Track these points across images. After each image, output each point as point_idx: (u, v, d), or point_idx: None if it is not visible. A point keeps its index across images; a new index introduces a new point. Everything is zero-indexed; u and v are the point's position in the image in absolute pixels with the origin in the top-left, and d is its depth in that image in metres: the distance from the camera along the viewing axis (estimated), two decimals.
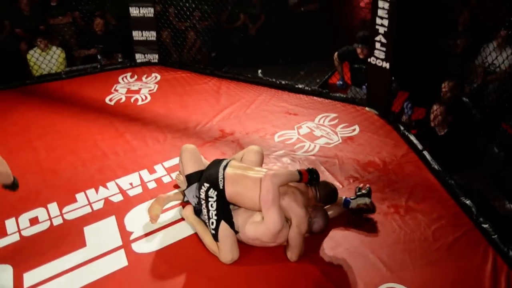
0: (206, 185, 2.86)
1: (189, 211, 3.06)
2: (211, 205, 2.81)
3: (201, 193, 2.87)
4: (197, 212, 3.02)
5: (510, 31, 4.90)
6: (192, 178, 3.03)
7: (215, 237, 2.81)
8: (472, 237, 3.09)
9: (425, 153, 3.87)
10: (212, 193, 2.82)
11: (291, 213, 2.75)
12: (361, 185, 3.28)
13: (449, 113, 4.24)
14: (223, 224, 2.79)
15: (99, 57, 5.90)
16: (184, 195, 3.15)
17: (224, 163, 2.97)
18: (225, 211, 2.84)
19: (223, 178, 2.86)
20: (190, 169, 3.05)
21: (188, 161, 3.09)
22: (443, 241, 3.04)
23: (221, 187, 2.84)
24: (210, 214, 2.81)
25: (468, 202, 3.32)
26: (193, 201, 3.02)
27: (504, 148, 4.22)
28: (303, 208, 2.77)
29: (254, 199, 2.80)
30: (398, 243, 3.02)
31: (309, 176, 2.85)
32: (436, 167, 3.70)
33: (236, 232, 2.83)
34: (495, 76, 5.10)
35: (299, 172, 2.84)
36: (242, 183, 2.84)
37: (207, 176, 2.91)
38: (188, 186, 3.05)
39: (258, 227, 2.77)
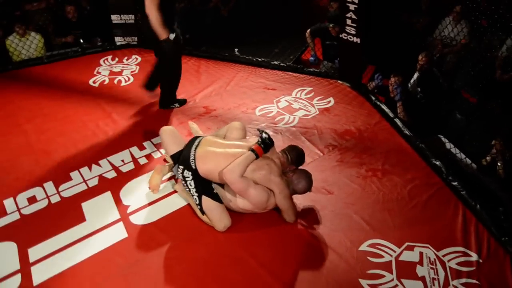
0: (181, 167, 2.89)
1: (181, 185, 3.07)
2: (190, 183, 2.85)
3: (178, 174, 2.92)
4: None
5: (465, 6, 5.01)
6: (176, 158, 3.02)
7: (201, 211, 2.86)
8: (443, 195, 3.21)
9: (396, 120, 3.96)
10: (187, 173, 2.85)
11: (270, 184, 2.78)
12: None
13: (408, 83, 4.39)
14: (204, 198, 2.82)
15: (81, 40, 5.69)
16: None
17: (196, 142, 2.94)
18: (203, 186, 2.86)
19: (194, 158, 2.85)
20: (173, 149, 3.04)
21: (168, 143, 3.07)
22: (418, 199, 3.16)
23: (193, 167, 2.84)
24: (191, 192, 2.86)
25: (438, 163, 3.44)
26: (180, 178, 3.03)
27: (465, 114, 4.36)
28: (278, 176, 2.79)
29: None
30: (378, 203, 3.11)
31: (263, 147, 2.80)
32: (407, 132, 3.80)
33: (222, 202, 2.86)
34: (452, 48, 5.23)
35: (252, 150, 2.78)
36: (213, 161, 2.82)
37: (181, 158, 2.92)
38: (174, 165, 3.04)
39: (247, 203, 2.81)
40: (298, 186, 2.87)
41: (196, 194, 2.84)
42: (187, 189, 2.89)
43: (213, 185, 2.89)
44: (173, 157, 3.03)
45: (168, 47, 3.69)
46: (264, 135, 2.86)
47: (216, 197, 2.85)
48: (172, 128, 3.18)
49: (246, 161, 2.75)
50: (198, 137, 3.03)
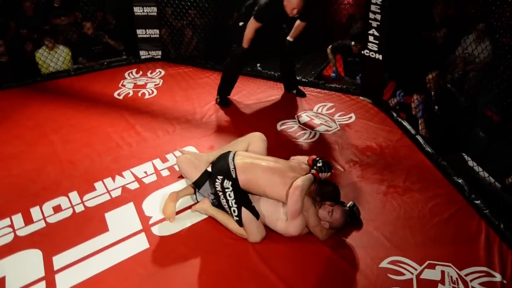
0: (220, 177, 2.87)
1: (206, 203, 3.05)
2: (229, 194, 2.84)
3: (216, 186, 2.88)
4: (215, 206, 3.03)
5: (488, 24, 4.99)
6: (201, 181, 3.03)
7: (240, 223, 2.85)
8: (466, 213, 3.17)
9: (418, 137, 3.94)
10: (227, 183, 2.84)
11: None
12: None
13: (431, 101, 4.36)
14: (244, 210, 2.83)
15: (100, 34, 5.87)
16: (195, 190, 3.13)
17: (231, 154, 2.98)
18: (243, 197, 2.87)
19: (235, 168, 2.88)
20: (195, 176, 3.04)
21: (189, 170, 3.08)
22: (439, 217, 3.12)
23: (234, 177, 2.86)
24: (230, 203, 2.84)
25: (460, 181, 3.40)
26: (210, 198, 3.04)
27: (488, 132, 4.31)
28: (311, 204, 2.85)
29: (264, 188, 2.85)
30: (399, 220, 3.09)
31: (320, 174, 2.89)
32: (429, 149, 3.77)
33: (258, 217, 2.87)
34: (474, 65, 5.19)
35: (313, 174, 2.86)
36: (252, 171, 2.87)
37: (219, 168, 2.92)
38: (199, 189, 3.06)
39: (288, 228, 2.83)
40: (334, 222, 2.84)
41: (235, 206, 2.83)
42: (224, 202, 2.87)
43: (251, 198, 2.92)
44: (196, 182, 3.05)
45: (240, 53, 4.28)
46: (319, 164, 2.93)
47: (254, 211, 2.86)
48: (187, 156, 3.21)
49: (309, 182, 2.80)
50: (229, 151, 3.05)
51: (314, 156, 3.02)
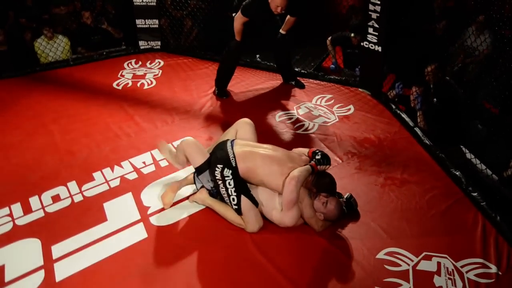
0: (220, 166, 2.88)
1: (203, 194, 3.06)
2: (229, 183, 2.85)
3: (216, 174, 2.89)
4: (213, 195, 3.04)
5: (488, 16, 4.96)
6: (202, 168, 3.02)
7: (239, 211, 2.86)
8: (463, 205, 3.18)
9: (417, 129, 3.94)
10: (227, 172, 2.85)
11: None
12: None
13: (429, 93, 4.35)
14: (243, 198, 2.84)
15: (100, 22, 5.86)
16: (194, 179, 3.13)
17: (229, 143, 2.99)
18: (242, 186, 2.88)
19: (234, 156, 2.89)
20: (199, 161, 3.02)
21: (194, 154, 3.05)
22: (436, 209, 3.13)
23: (233, 165, 2.87)
24: (230, 191, 2.85)
25: (458, 173, 3.41)
26: (209, 185, 3.03)
27: (487, 125, 4.31)
28: (307, 195, 2.86)
29: (261, 177, 2.86)
30: (396, 212, 3.10)
31: (318, 167, 2.89)
32: (427, 142, 3.78)
33: (257, 205, 2.88)
34: (473, 58, 5.18)
35: (311, 166, 2.87)
36: (252, 160, 2.88)
37: (218, 157, 2.93)
38: (199, 175, 3.06)
39: (283, 218, 2.83)
40: (328, 213, 2.83)
41: (235, 194, 2.85)
42: (223, 190, 2.88)
43: (249, 186, 2.93)
44: (198, 168, 3.04)
45: (234, 46, 4.31)
46: (318, 156, 2.92)
47: (253, 199, 2.88)
48: (194, 140, 3.18)
49: (307, 173, 2.81)
50: (227, 140, 3.05)
51: (314, 149, 3.03)
